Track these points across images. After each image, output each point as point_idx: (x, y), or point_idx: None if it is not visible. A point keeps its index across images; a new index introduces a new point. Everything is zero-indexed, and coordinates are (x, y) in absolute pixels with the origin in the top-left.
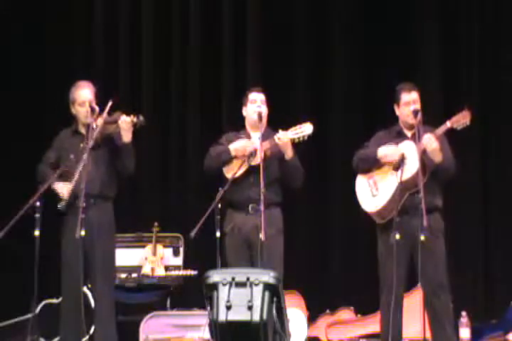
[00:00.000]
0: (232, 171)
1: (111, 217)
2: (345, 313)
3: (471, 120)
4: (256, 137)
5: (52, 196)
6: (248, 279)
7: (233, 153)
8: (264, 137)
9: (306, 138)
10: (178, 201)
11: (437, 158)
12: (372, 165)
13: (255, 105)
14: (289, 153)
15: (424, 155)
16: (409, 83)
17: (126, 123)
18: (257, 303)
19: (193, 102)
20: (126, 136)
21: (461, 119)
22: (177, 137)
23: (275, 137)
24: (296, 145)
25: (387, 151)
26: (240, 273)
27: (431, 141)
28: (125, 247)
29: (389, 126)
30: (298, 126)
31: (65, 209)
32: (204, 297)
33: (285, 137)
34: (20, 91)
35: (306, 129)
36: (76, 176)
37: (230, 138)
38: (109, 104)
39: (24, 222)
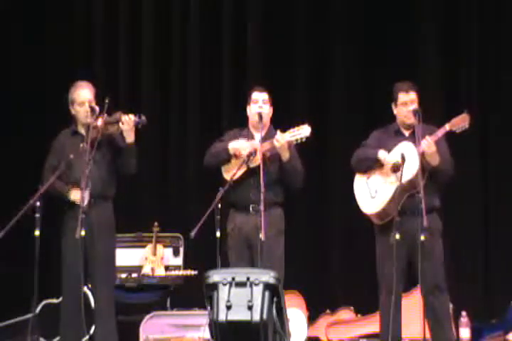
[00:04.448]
0: (231, 172)
1: (111, 216)
2: (345, 313)
3: (470, 123)
4: (258, 137)
5: (51, 196)
6: (248, 279)
7: (231, 152)
8: (268, 137)
9: (304, 140)
10: (178, 201)
11: (434, 161)
12: (372, 165)
13: (257, 105)
14: (285, 155)
15: (422, 157)
16: (407, 82)
17: (127, 123)
18: (257, 303)
19: (193, 102)
20: (129, 136)
21: (460, 122)
22: (177, 137)
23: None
24: (296, 145)
25: (387, 154)
26: (240, 273)
27: (429, 145)
28: (125, 247)
29: (385, 125)
30: (296, 128)
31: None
32: (204, 297)
33: (282, 139)
34: (21, 91)
35: (303, 131)
36: (83, 183)
37: (233, 136)
38: (106, 102)
39: (24, 222)
